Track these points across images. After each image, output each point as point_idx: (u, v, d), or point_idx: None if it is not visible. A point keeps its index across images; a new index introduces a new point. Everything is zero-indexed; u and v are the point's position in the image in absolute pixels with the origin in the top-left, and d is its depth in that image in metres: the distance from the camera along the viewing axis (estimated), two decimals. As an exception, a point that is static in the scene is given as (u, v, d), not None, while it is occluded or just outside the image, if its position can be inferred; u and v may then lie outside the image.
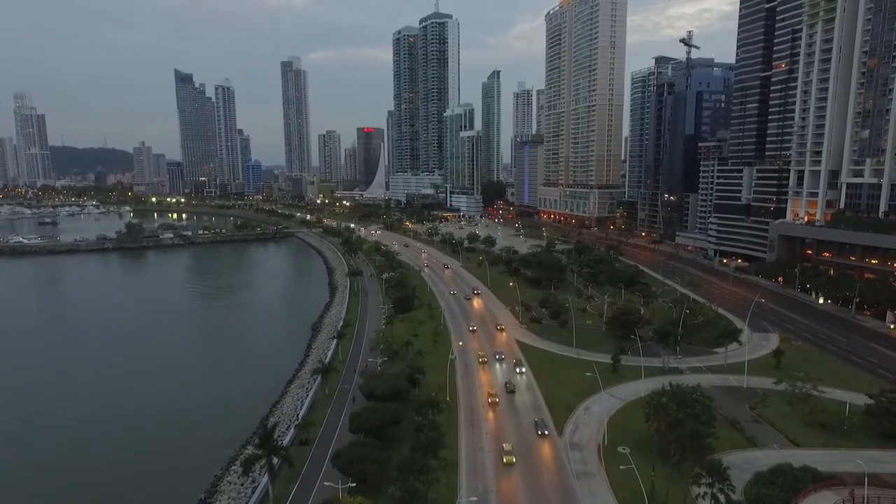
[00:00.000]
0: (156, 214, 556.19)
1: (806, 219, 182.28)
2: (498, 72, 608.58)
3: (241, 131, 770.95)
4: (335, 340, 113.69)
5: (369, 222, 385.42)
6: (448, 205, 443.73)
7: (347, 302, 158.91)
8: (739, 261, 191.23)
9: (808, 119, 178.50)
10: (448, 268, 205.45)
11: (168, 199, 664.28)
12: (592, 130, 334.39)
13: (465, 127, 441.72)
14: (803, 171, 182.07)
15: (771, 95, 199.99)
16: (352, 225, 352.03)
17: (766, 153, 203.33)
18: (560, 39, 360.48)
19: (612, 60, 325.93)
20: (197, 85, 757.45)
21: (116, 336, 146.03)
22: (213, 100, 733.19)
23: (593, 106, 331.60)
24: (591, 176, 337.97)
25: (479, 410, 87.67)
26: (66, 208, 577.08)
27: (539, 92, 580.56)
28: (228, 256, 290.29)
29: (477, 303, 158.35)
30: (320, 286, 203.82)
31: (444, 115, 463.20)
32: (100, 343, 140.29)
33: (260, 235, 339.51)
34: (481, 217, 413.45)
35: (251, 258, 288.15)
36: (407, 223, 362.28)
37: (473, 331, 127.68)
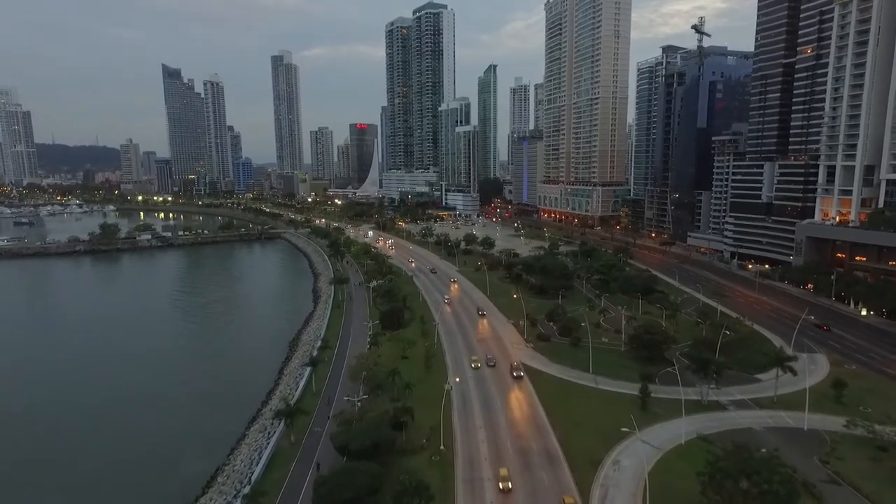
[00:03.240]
0: (142, 214, 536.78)
1: (837, 219, 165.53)
2: (494, 66, 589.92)
3: (231, 128, 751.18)
4: (308, 368, 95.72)
5: (361, 222, 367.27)
6: (443, 203, 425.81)
7: (329, 315, 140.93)
8: (766, 266, 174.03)
9: (840, 109, 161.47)
10: (484, 315, 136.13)
11: (155, 198, 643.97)
12: (595, 125, 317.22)
13: (461, 122, 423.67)
14: (834, 167, 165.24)
15: (795, 84, 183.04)
16: (339, 224, 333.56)
17: (790, 147, 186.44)
18: (560, 29, 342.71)
19: (615, 50, 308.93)
20: (185, 80, 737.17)
21: (52, 359, 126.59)
22: (203, 96, 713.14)
23: (596, 99, 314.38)
24: (594, 172, 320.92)
25: (482, 464, 70.16)
26: (48, 207, 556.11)
27: (537, 86, 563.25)
28: (208, 260, 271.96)
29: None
30: (303, 294, 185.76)
31: (440, 109, 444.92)
32: (28, 369, 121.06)
33: (244, 236, 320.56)
34: (478, 216, 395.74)
35: (232, 262, 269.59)
36: (400, 223, 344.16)
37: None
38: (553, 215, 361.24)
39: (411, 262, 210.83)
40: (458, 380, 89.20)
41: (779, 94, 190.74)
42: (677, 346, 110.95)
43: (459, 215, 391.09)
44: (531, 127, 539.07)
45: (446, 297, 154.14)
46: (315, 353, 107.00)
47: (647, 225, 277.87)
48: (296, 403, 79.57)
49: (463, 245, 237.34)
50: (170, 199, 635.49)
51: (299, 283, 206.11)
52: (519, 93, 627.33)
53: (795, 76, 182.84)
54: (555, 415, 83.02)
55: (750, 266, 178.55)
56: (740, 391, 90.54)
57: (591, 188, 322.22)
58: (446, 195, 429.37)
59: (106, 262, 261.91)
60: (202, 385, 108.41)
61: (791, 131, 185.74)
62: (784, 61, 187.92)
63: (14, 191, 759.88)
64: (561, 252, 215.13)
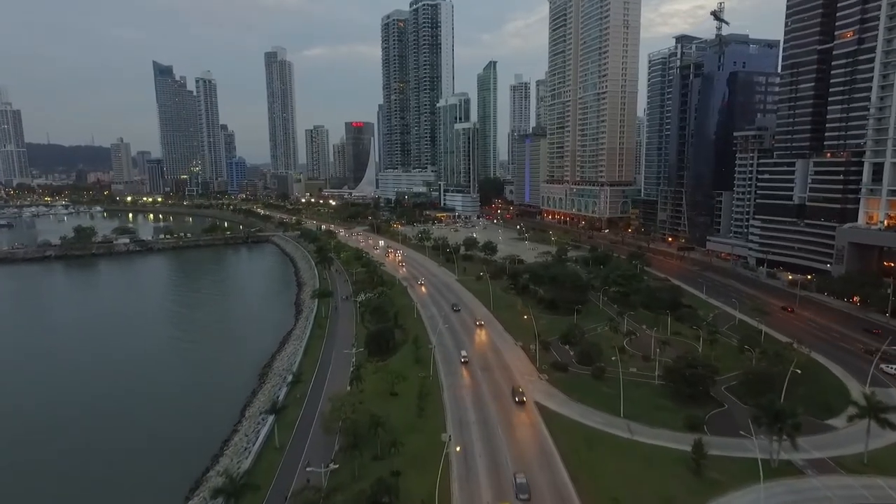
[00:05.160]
0: (130, 215, 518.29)
1: (886, 223, 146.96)
2: (494, 62, 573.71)
3: (224, 127, 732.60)
4: (271, 417, 76.07)
5: (355, 224, 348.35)
6: (442, 204, 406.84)
7: (309, 336, 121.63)
8: (810, 277, 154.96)
9: (890, 98, 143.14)
10: (523, 402, 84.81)
11: (145, 199, 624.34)
12: (603, 121, 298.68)
13: (459, 118, 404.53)
14: (882, 164, 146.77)
15: (832, 72, 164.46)
16: (331, 227, 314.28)
17: (826, 142, 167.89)
18: (565, 20, 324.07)
19: (624, 42, 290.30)
20: (177, 78, 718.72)
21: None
22: (195, 93, 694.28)
23: (604, 93, 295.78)
24: (602, 172, 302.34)
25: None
26: (32, 209, 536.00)
27: (539, 83, 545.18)
28: (189, 266, 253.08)
29: (480, 336, 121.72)
30: (284, 307, 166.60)
31: (438, 105, 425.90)
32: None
33: (230, 240, 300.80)
34: (479, 217, 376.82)
35: (214, 269, 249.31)
36: (395, 225, 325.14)
37: None
38: (557, 217, 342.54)
39: (421, 284, 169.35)
40: (458, 449, 69.77)
41: (812, 84, 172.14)
42: (720, 376, 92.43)
43: (459, 217, 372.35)
44: (532, 125, 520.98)
45: (464, 354, 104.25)
46: (281, 394, 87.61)
47: (659, 228, 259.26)
48: (244, 475, 60.06)
49: (462, 250, 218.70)
50: (160, 199, 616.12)
51: (282, 295, 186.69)
52: (519, 90, 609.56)
53: (833, 63, 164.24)
54: (582, 481, 64.35)
55: (790, 276, 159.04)
56: (814, 445, 71.66)
57: (598, 188, 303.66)
58: (445, 195, 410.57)
59: (76, 269, 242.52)
60: (145, 430, 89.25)
61: (827, 125, 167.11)
62: (819, 47, 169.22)
63: (2, 191, 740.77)
64: (570, 258, 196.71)
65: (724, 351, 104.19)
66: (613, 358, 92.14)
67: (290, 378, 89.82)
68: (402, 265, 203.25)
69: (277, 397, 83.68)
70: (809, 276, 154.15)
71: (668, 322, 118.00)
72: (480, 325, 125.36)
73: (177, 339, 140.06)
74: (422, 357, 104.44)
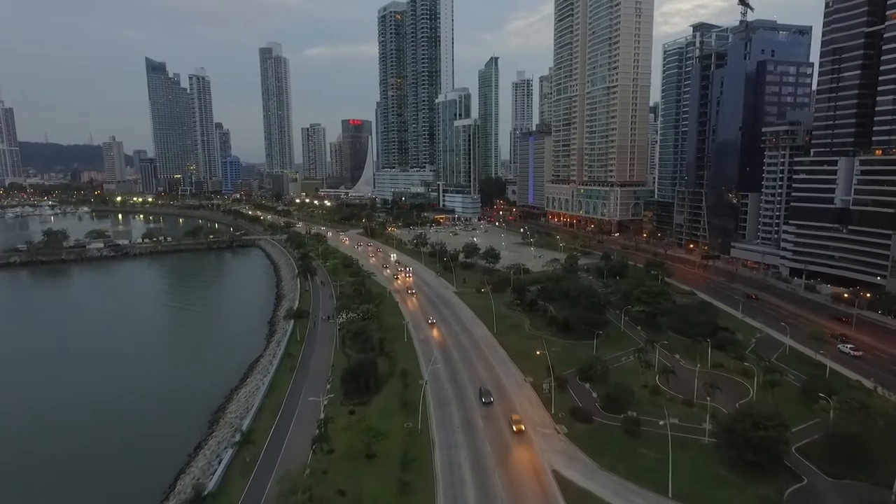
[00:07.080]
0: (120, 216, 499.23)
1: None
2: (496, 58, 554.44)
3: (219, 125, 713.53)
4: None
5: (349, 226, 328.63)
6: (441, 205, 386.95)
7: (276, 369, 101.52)
8: (868, 294, 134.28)
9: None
10: None
11: (134, 199, 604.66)
12: (613, 116, 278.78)
13: (460, 115, 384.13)
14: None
15: (883, 58, 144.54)
16: (324, 230, 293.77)
17: (875, 138, 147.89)
18: (572, 9, 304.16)
19: (637, 31, 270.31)
20: (170, 75, 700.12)
21: None
22: (188, 91, 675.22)
23: (614, 87, 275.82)
24: (611, 171, 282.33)
25: None
26: (16, 209, 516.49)
27: (542, 79, 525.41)
28: (164, 273, 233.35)
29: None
30: (257, 326, 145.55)
31: (436, 101, 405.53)
32: None
33: (213, 244, 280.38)
34: (479, 220, 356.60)
35: (190, 276, 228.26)
36: (390, 228, 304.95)
37: None
38: (563, 219, 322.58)
39: (432, 322, 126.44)
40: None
41: (858, 73, 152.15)
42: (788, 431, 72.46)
43: (458, 219, 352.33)
44: (535, 123, 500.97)
45: None
46: (225, 457, 67.42)
47: (675, 232, 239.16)
48: None
49: (462, 257, 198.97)
50: (150, 199, 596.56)
51: (258, 309, 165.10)
52: (521, 87, 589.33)
53: (883, 48, 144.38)
54: None
55: (846, 294, 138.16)
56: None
57: (607, 189, 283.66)
58: (444, 196, 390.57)
59: (40, 277, 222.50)
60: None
61: (876, 118, 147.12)
62: (866, 30, 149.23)
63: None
64: (581, 267, 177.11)
65: (784, 392, 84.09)
66: (662, 422, 71.60)
67: (237, 437, 69.46)
68: (412, 292, 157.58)
69: (207, 482, 62.39)
70: (867, 294, 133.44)
71: (707, 352, 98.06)
72: (520, 431, 74.23)
73: (125, 366, 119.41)
74: (410, 399, 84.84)
